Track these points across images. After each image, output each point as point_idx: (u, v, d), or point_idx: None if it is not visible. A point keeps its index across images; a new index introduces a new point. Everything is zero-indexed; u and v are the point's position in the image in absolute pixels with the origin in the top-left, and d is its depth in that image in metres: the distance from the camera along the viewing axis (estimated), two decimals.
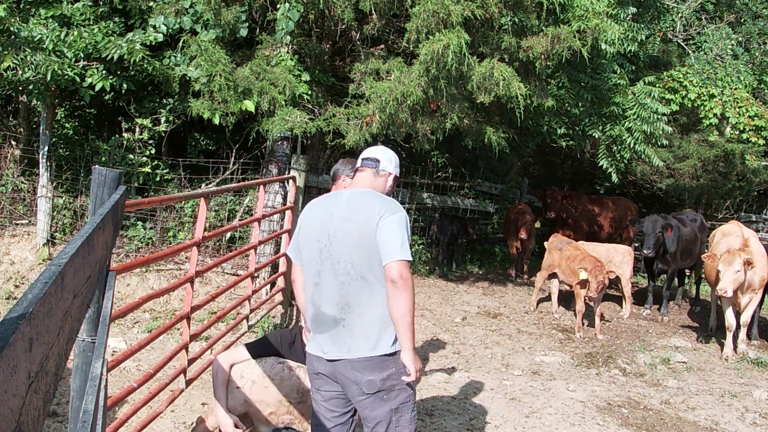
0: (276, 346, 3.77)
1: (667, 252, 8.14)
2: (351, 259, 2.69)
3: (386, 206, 2.72)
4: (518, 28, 6.48)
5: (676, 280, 9.10)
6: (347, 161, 4.18)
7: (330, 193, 3.02)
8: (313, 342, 2.86)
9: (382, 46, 6.96)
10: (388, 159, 2.93)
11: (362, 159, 2.95)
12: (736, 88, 10.64)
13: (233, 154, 7.58)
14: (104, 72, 6.22)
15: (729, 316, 6.74)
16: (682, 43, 12.62)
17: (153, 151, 7.19)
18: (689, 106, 10.60)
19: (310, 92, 6.33)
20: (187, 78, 6.30)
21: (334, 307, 2.72)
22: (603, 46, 6.78)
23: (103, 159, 6.98)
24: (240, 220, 7.01)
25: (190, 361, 4.37)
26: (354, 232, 2.70)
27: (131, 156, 7.06)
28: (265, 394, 3.51)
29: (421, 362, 2.77)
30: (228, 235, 7.00)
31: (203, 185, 7.28)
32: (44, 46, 5.94)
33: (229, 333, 5.32)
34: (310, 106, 6.48)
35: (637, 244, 10.48)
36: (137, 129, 7.14)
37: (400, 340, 2.65)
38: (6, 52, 5.76)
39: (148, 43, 6.15)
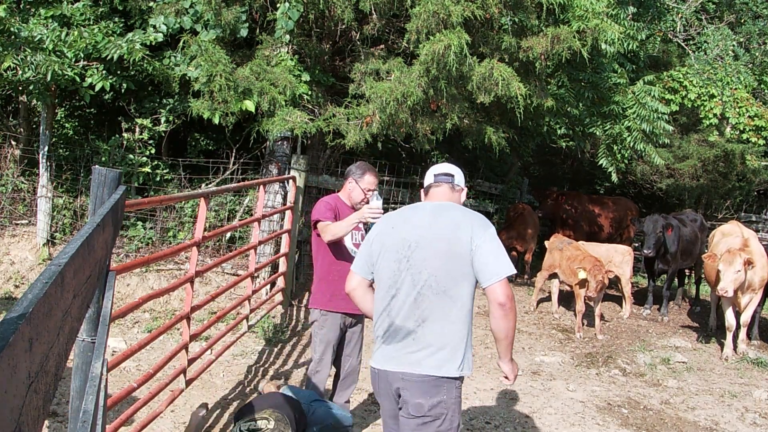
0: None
1: (668, 252, 8.14)
2: (434, 271, 2.62)
3: (476, 221, 2.68)
4: (518, 28, 6.48)
5: (676, 280, 9.10)
6: (361, 164, 4.16)
7: (409, 206, 2.95)
8: (377, 354, 2.77)
9: (382, 46, 6.95)
10: (460, 174, 2.93)
11: (435, 175, 2.89)
12: (736, 89, 10.64)
13: (233, 154, 7.58)
14: (104, 72, 6.21)
15: (729, 316, 6.74)
16: (682, 43, 12.62)
17: (153, 151, 7.18)
18: (689, 106, 10.59)
19: (310, 92, 6.33)
20: (187, 78, 6.30)
21: (410, 320, 2.64)
22: (603, 46, 6.77)
23: (103, 159, 6.97)
24: (240, 220, 7.01)
25: (190, 361, 4.38)
26: (440, 244, 2.64)
27: (131, 156, 7.06)
28: None
29: (517, 367, 2.89)
30: (228, 235, 7.00)
31: (203, 185, 7.28)
32: (44, 46, 5.94)
33: (229, 333, 5.31)
34: (310, 107, 6.48)
35: (637, 244, 10.48)
36: (137, 129, 7.14)
37: (501, 352, 2.76)
38: (6, 52, 5.76)
39: (148, 43, 6.15)
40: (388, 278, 2.71)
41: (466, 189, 2.96)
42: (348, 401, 4.25)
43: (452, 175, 2.89)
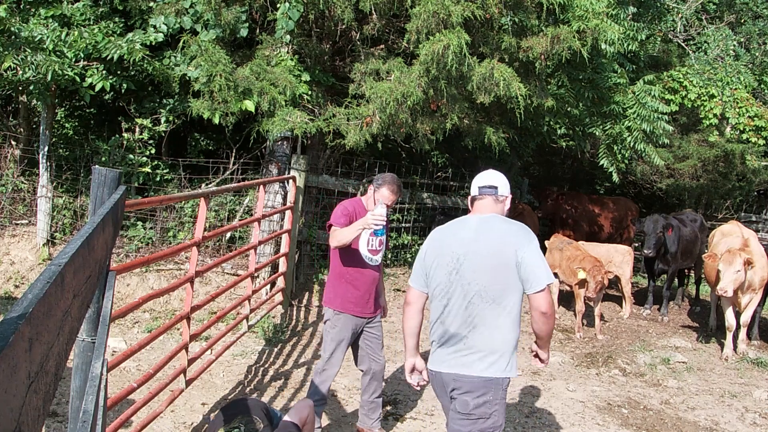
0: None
1: (668, 252, 8.14)
2: (482, 282, 2.79)
3: (521, 234, 2.83)
4: (518, 28, 6.47)
5: (676, 280, 9.10)
6: (387, 176, 4.13)
7: (456, 220, 3.09)
8: (432, 357, 2.97)
9: (382, 46, 6.95)
10: (503, 183, 3.03)
11: (479, 187, 3.01)
12: (736, 89, 10.64)
13: (233, 154, 7.58)
14: (104, 72, 6.21)
15: (729, 316, 6.74)
16: (683, 44, 12.62)
17: (153, 151, 7.18)
18: (689, 106, 10.59)
19: (310, 92, 6.33)
20: (187, 78, 6.30)
21: (461, 326, 2.83)
22: (603, 46, 6.77)
23: (103, 159, 6.97)
24: (240, 220, 7.01)
25: (190, 361, 4.37)
26: (487, 257, 2.80)
27: (131, 156, 7.05)
28: None
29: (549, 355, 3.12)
30: (228, 235, 7.00)
31: (203, 185, 7.28)
32: (44, 46, 5.94)
33: (229, 333, 5.31)
34: (311, 107, 6.48)
35: (637, 244, 10.48)
36: (137, 129, 7.13)
37: (540, 345, 3.05)
38: (6, 52, 5.75)
39: (148, 43, 6.15)
40: (441, 289, 2.91)
41: (510, 196, 3.08)
42: (380, 396, 4.27)
43: (495, 187, 3.00)
